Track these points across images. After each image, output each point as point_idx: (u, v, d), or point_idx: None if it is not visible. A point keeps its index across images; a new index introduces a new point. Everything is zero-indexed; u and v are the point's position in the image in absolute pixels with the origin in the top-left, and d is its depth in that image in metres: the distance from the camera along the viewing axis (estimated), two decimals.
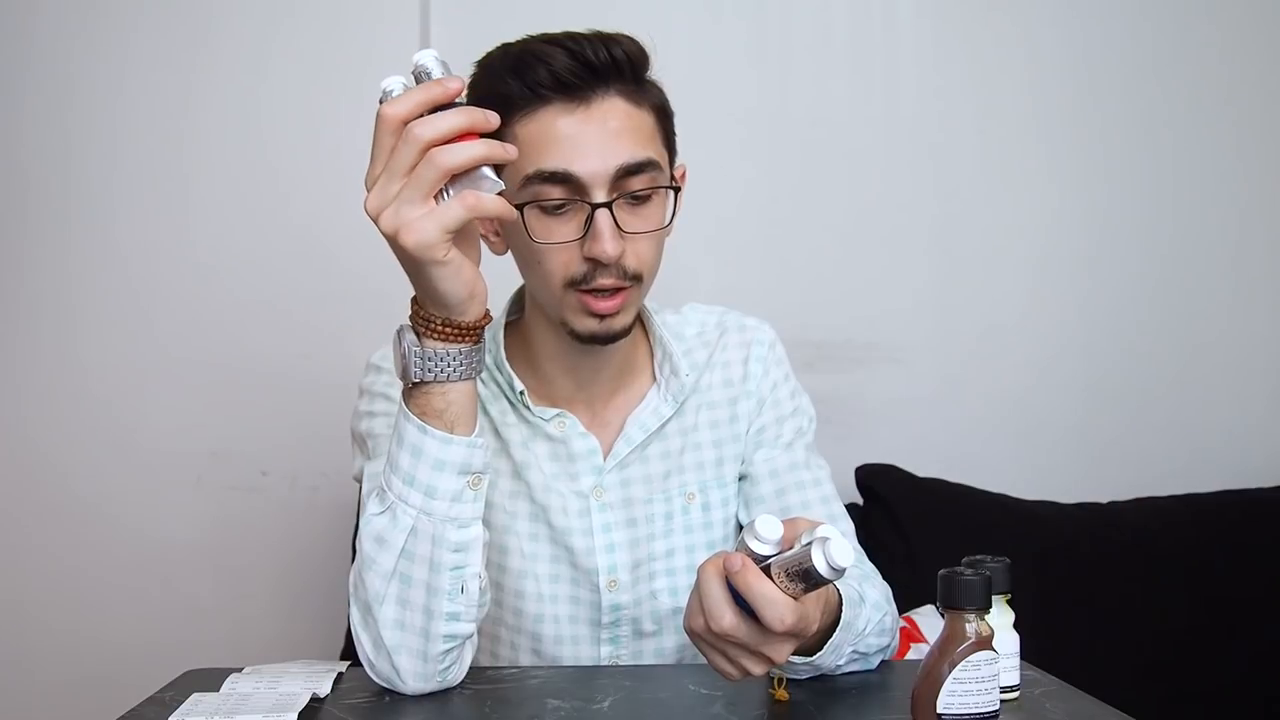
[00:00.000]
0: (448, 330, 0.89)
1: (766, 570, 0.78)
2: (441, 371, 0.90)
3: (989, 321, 2.00)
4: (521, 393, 1.14)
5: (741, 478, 1.20)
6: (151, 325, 1.86)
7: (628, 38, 1.05)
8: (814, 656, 0.92)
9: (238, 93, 1.87)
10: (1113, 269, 2.02)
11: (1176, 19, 2.02)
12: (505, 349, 1.16)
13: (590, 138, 1.01)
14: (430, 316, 0.89)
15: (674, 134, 1.12)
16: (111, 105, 1.86)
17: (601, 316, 1.05)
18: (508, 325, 1.19)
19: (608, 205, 1.01)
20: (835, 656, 0.95)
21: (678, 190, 1.10)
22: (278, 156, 1.87)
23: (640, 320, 1.20)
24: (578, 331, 1.07)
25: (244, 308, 1.86)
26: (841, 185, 1.97)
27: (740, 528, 1.20)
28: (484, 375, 1.17)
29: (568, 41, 1.02)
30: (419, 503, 0.92)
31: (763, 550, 0.79)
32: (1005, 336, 2.00)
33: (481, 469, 0.93)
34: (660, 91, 1.09)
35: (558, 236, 1.03)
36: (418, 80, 0.84)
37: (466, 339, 0.90)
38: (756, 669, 0.82)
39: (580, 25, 1.09)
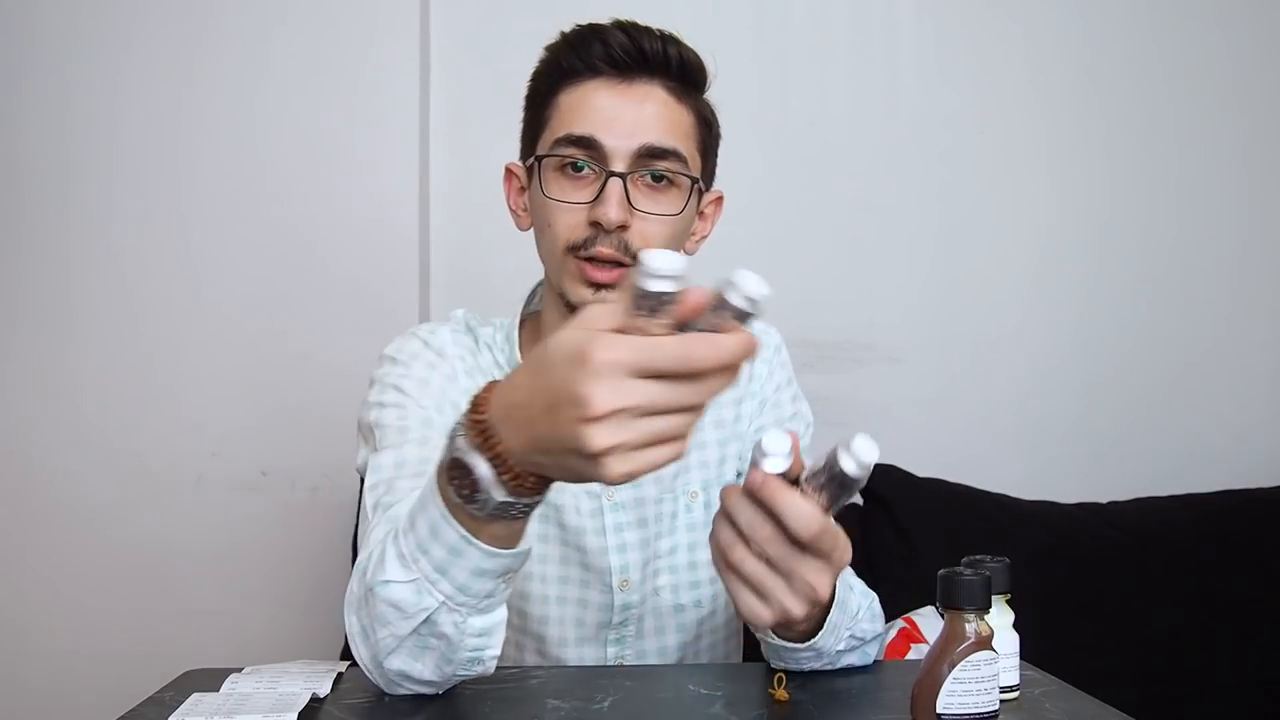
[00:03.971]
0: (546, 482, 0.75)
1: (795, 484, 0.74)
2: (527, 510, 0.77)
3: (990, 322, 2.00)
4: None
5: (739, 475, 1.20)
6: (151, 326, 1.86)
7: (690, 48, 1.09)
8: (814, 639, 0.93)
9: (235, 93, 1.87)
10: (1113, 270, 2.02)
11: (1179, 24, 2.02)
12: (520, 347, 1.16)
13: (623, 112, 1.05)
14: (535, 484, 0.74)
15: (714, 153, 1.15)
16: (109, 107, 1.86)
17: (597, 287, 1.05)
18: (522, 323, 1.19)
19: (622, 176, 1.04)
20: (834, 640, 0.95)
21: (702, 193, 1.13)
22: (276, 157, 1.87)
23: None
24: (572, 301, 1.07)
25: (243, 308, 1.86)
26: (842, 187, 1.97)
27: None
28: (497, 374, 1.17)
29: (630, 28, 1.07)
30: (448, 591, 0.81)
31: (776, 467, 0.75)
32: (1006, 337, 2.00)
33: (519, 567, 0.83)
34: (710, 108, 1.13)
35: (571, 197, 1.06)
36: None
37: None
38: (794, 603, 0.75)
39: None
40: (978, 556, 0.90)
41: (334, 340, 1.86)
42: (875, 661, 1.04)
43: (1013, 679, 0.92)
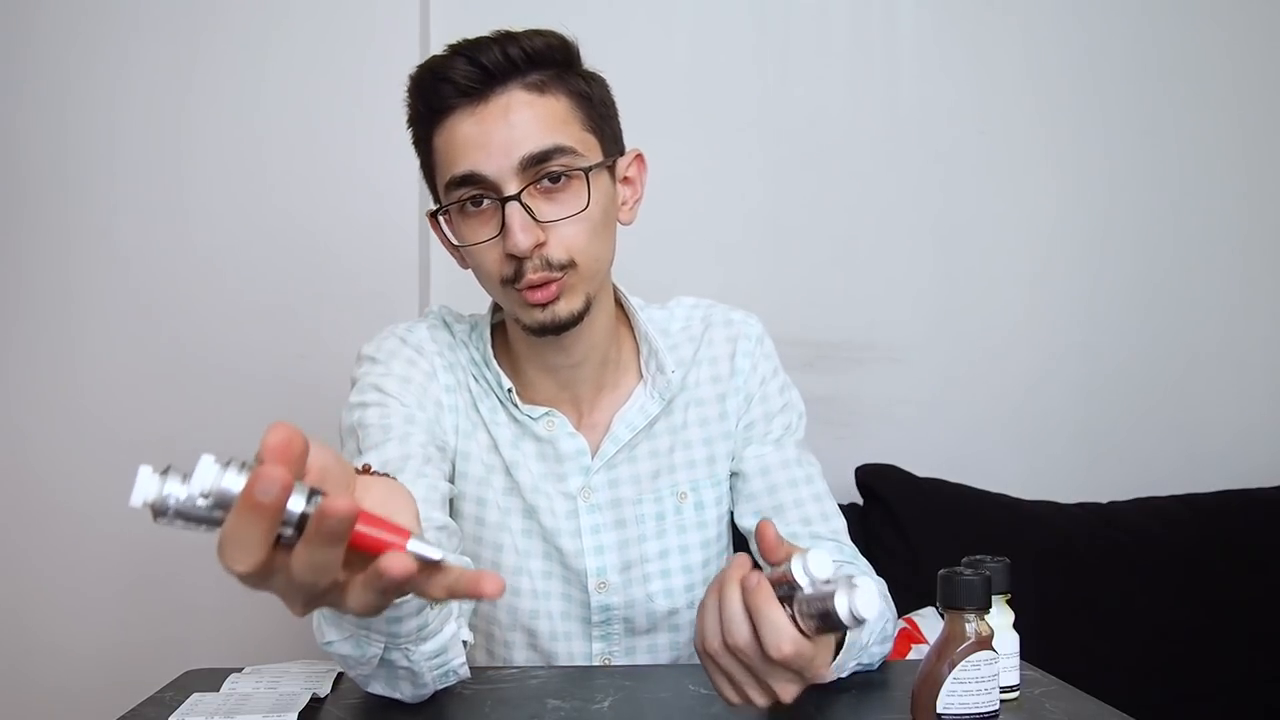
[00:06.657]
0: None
1: (789, 600, 0.73)
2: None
3: (990, 321, 2.00)
4: (510, 390, 1.13)
5: (733, 474, 1.19)
6: (149, 326, 1.86)
7: (539, 33, 1.05)
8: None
9: (235, 93, 1.87)
10: (1114, 270, 2.02)
11: (1179, 22, 2.02)
12: (493, 346, 1.16)
13: (491, 134, 1.02)
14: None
15: (609, 120, 1.10)
16: (109, 106, 1.86)
17: (543, 306, 1.04)
18: (495, 325, 1.19)
19: (516, 198, 1.01)
20: (838, 674, 0.95)
21: (611, 168, 1.09)
22: (276, 157, 1.86)
23: (625, 316, 1.19)
24: (528, 325, 1.07)
25: (242, 308, 1.86)
26: (843, 186, 1.97)
27: (733, 524, 1.20)
28: (474, 371, 1.16)
29: (466, 49, 1.04)
30: (383, 636, 0.84)
31: (800, 581, 0.73)
32: (1006, 336, 2.00)
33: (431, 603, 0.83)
34: (582, 81, 1.07)
35: (480, 236, 1.04)
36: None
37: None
38: (760, 699, 0.77)
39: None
40: (978, 556, 0.90)
41: (334, 340, 1.85)
42: None
43: (1013, 679, 0.92)
